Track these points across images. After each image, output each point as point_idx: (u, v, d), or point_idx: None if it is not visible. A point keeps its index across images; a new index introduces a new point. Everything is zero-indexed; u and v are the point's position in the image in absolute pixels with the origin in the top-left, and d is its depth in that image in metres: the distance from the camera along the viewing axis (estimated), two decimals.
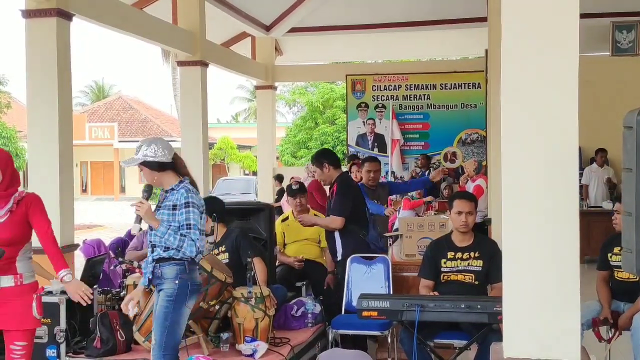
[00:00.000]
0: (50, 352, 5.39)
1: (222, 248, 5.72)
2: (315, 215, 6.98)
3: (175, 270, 4.28)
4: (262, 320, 5.15)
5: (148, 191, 4.39)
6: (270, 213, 6.71)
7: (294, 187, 7.02)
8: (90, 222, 22.73)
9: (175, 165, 4.42)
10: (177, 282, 4.27)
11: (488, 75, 9.40)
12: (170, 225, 4.27)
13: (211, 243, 5.57)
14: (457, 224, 5.26)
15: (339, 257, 6.30)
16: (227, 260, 5.60)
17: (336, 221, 6.19)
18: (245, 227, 6.25)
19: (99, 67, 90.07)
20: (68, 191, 7.29)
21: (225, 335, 5.15)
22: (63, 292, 5.52)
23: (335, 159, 6.47)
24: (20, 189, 4.21)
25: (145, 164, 4.31)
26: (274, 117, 15.57)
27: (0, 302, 4.10)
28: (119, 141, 40.19)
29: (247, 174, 38.53)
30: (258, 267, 5.46)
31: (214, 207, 5.61)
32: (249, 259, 5.26)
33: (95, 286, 5.93)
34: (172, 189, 4.35)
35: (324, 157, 6.47)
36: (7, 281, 4.12)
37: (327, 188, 6.84)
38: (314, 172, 6.74)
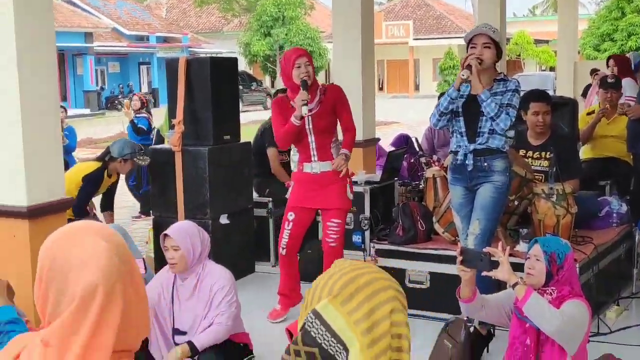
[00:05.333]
0: (356, 238, 5.82)
1: (547, 154, 5.58)
2: None
3: (505, 163, 4.41)
4: (563, 217, 5.00)
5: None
6: (573, 108, 6.46)
7: (609, 80, 6.72)
8: (387, 119, 23.46)
9: None
10: (507, 174, 4.42)
11: None
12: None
13: None
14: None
15: None
16: (546, 168, 5.49)
17: None
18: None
19: None
20: (370, 88, 7.59)
21: (524, 231, 5.10)
22: (367, 183, 5.88)
23: None
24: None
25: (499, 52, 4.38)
26: (575, 8, 14.58)
27: (322, 185, 4.74)
28: (414, 39, 40.66)
29: (544, 70, 37.19)
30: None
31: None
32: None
33: (395, 178, 6.22)
34: (502, 80, 4.38)
35: None
36: (326, 166, 4.73)
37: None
38: None
